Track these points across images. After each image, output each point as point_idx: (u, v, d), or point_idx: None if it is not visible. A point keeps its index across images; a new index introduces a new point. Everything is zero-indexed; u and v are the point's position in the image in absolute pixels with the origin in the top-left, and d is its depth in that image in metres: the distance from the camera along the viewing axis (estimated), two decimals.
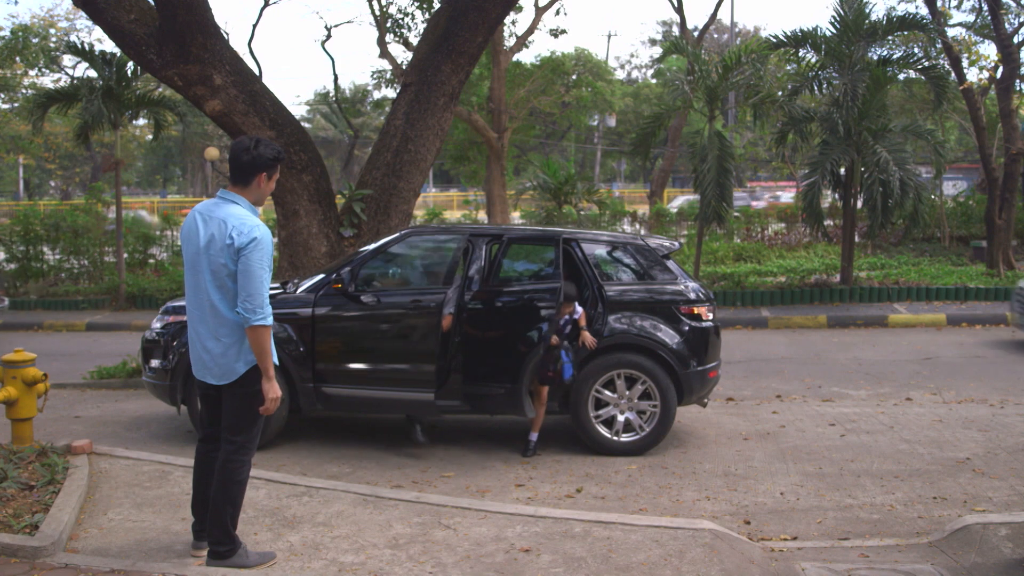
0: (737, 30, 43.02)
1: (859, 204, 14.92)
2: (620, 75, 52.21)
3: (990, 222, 16.42)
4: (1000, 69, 16.19)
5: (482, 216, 24.10)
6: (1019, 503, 5.71)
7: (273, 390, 4.28)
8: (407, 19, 22.33)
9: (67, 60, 26.27)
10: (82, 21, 29.55)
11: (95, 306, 16.25)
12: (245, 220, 4.22)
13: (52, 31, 26.72)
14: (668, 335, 6.87)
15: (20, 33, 21.61)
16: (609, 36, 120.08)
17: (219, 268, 4.22)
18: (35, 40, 22.51)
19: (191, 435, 7.25)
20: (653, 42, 55.49)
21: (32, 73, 26.13)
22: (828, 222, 17.92)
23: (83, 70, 21.50)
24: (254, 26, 36.16)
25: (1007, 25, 16.88)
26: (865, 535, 5.27)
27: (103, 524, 5.07)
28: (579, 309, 6.93)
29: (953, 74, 16.62)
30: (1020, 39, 17.05)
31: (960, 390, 9.04)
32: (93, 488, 5.60)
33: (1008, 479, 6.19)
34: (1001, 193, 16.29)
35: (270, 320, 4.19)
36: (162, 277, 16.84)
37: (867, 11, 14.41)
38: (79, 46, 15.77)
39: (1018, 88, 17.20)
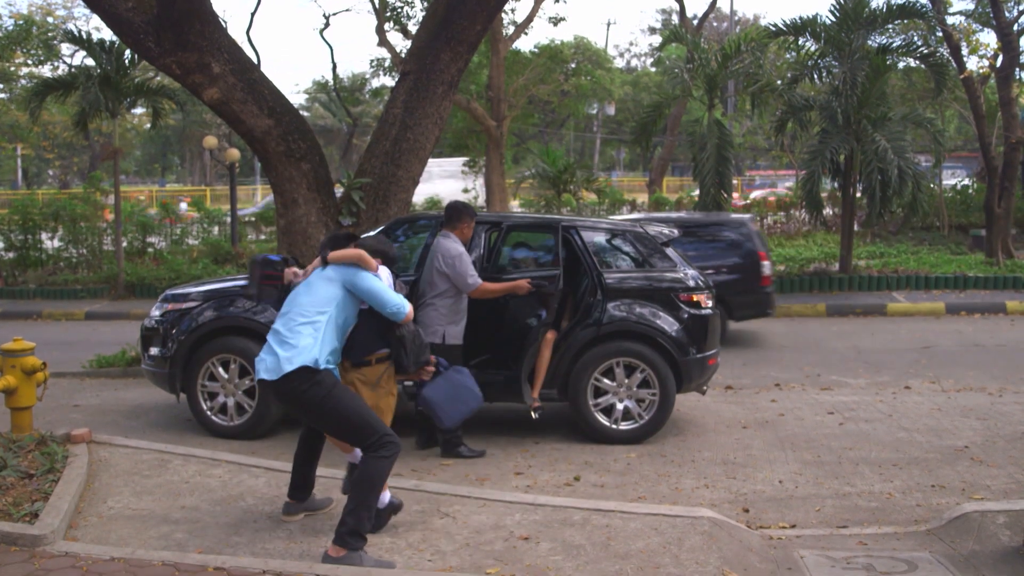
0: (737, 18, 42.82)
1: (858, 193, 14.92)
2: (619, 63, 52.04)
3: (989, 211, 16.40)
4: (1000, 57, 16.13)
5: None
6: (1017, 491, 5.73)
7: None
8: (406, 7, 22.30)
9: (65, 48, 26.17)
10: (79, 9, 29.53)
11: (94, 295, 16.23)
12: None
13: (50, 19, 26.64)
14: (667, 322, 6.87)
15: (23, 23, 21.50)
16: (608, 24, 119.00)
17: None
18: (35, 30, 22.40)
19: (190, 423, 7.26)
20: (652, 30, 55.28)
21: (30, 62, 26.03)
22: (827, 211, 17.90)
23: (81, 58, 21.44)
24: (252, 14, 35.90)
25: (1007, 13, 16.82)
26: (863, 523, 5.29)
27: (103, 512, 5.08)
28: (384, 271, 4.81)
29: (953, 62, 16.57)
30: (1020, 27, 16.99)
31: (959, 379, 9.05)
32: (92, 477, 5.61)
33: (1006, 467, 6.21)
34: (1000, 182, 16.26)
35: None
36: (161, 266, 16.80)
37: None
38: (77, 34, 15.68)
39: (1018, 76, 17.15)
